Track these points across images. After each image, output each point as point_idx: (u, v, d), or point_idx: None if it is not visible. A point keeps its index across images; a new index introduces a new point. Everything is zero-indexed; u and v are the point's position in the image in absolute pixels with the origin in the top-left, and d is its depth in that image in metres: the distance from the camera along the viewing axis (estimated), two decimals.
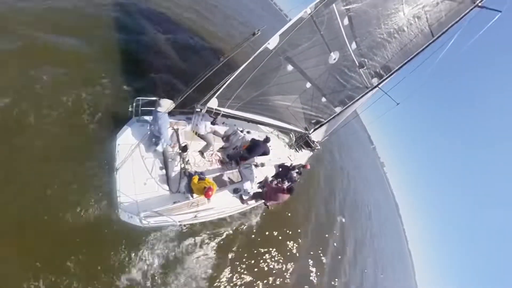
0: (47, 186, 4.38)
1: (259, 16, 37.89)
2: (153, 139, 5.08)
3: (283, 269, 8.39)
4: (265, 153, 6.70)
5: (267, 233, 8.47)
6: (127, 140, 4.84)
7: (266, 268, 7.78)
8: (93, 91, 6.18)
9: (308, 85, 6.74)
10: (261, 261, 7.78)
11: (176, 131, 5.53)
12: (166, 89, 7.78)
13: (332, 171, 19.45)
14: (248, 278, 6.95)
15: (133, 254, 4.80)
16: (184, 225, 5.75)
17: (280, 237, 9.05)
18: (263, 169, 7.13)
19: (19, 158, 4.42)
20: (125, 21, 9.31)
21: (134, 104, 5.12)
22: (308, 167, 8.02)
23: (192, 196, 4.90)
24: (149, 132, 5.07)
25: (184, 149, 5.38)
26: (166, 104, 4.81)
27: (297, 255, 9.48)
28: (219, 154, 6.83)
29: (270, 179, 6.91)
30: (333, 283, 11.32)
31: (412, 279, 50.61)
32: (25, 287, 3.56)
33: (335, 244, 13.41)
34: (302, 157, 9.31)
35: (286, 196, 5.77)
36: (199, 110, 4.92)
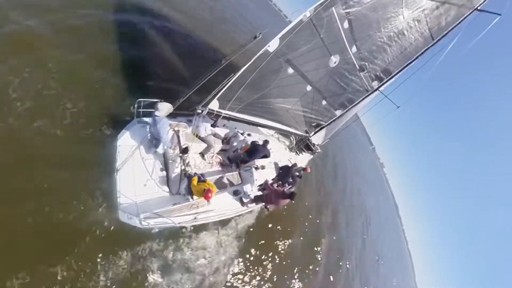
0: (46, 186, 4.39)
1: (259, 17, 38.25)
2: (154, 141, 5.10)
3: (280, 271, 8.31)
4: (266, 156, 6.70)
5: (264, 237, 8.42)
6: (127, 142, 4.86)
7: (264, 271, 7.70)
8: (95, 92, 6.24)
9: (309, 88, 6.76)
10: (261, 263, 7.71)
11: (177, 133, 5.55)
12: (167, 90, 7.82)
13: (331, 172, 19.43)
14: (247, 280, 6.89)
15: (132, 255, 4.78)
16: (184, 227, 5.73)
17: (277, 238, 8.99)
18: (264, 171, 7.12)
19: (19, 157, 4.44)
20: (125, 24, 9.40)
21: (135, 105, 5.17)
22: (309, 170, 7.99)
23: (192, 198, 4.90)
24: (149, 134, 5.09)
25: (184, 151, 5.39)
26: (165, 108, 4.84)
27: (295, 255, 9.43)
28: (219, 156, 6.84)
29: (270, 181, 6.89)
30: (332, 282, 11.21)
31: (412, 280, 50.03)
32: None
33: (334, 244, 13.37)
34: (302, 160, 9.29)
35: (287, 201, 5.74)
36: (200, 111, 4.94)
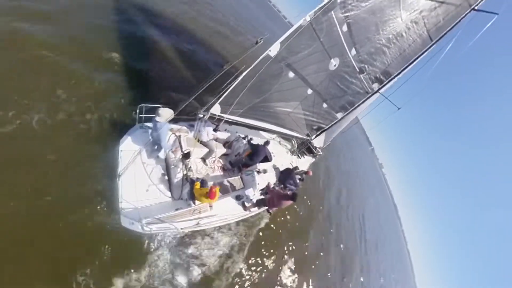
0: (48, 191, 4.38)
1: (258, 17, 38.82)
2: (155, 146, 5.10)
3: (281, 274, 8.18)
4: (267, 158, 6.68)
5: (263, 237, 8.32)
6: (130, 147, 4.86)
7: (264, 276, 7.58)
8: (97, 98, 6.28)
9: (309, 91, 6.80)
10: (260, 267, 7.59)
11: (179, 137, 5.55)
12: (169, 96, 7.90)
13: (330, 172, 19.34)
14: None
15: (133, 261, 4.72)
16: (186, 232, 5.67)
17: (280, 242, 8.89)
18: (266, 175, 7.08)
19: (20, 162, 4.43)
20: (128, 29, 9.57)
21: (137, 111, 5.18)
22: (310, 173, 7.95)
23: (194, 203, 4.85)
24: (151, 139, 5.09)
25: (186, 155, 5.37)
26: (166, 114, 4.85)
27: (294, 256, 9.31)
28: (221, 160, 6.81)
29: (272, 185, 6.85)
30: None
31: (411, 280, 49.17)
32: None
33: (333, 246, 13.23)
34: (304, 163, 9.25)
35: (289, 202, 5.71)
36: (202, 116, 4.95)
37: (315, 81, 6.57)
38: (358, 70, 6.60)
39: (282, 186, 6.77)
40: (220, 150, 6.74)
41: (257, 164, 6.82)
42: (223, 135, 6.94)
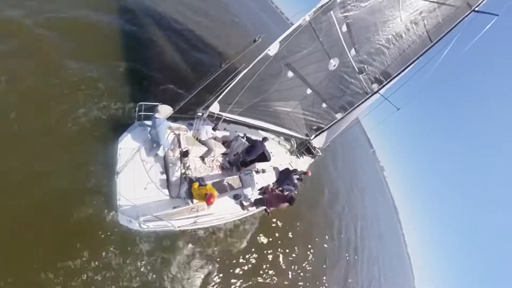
0: (47, 188, 4.40)
1: (259, 18, 38.85)
2: (154, 144, 5.11)
3: (282, 277, 8.17)
4: (265, 156, 6.68)
5: (265, 238, 8.31)
6: (128, 144, 4.87)
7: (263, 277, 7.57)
8: (97, 95, 6.29)
9: (309, 91, 6.80)
10: (259, 269, 7.59)
11: (178, 136, 5.56)
12: (169, 94, 7.91)
13: (329, 174, 19.32)
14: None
15: (129, 259, 4.73)
16: (183, 230, 5.67)
17: (277, 241, 8.87)
18: (264, 175, 7.08)
19: (20, 159, 4.45)
20: (128, 28, 9.56)
21: (136, 108, 5.20)
22: (310, 174, 7.95)
23: (192, 202, 4.86)
24: (149, 137, 5.10)
25: (185, 154, 5.38)
26: (165, 111, 4.85)
27: (294, 257, 9.31)
28: (220, 159, 6.82)
29: (271, 186, 6.85)
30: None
31: (411, 283, 49.07)
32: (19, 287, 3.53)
33: (333, 247, 13.19)
34: (303, 163, 9.24)
35: (286, 205, 5.70)
36: (201, 114, 4.96)
37: (315, 81, 6.58)
38: (357, 70, 6.60)
39: (281, 189, 6.74)
40: (219, 149, 6.74)
41: (256, 163, 6.82)
42: (222, 134, 6.96)
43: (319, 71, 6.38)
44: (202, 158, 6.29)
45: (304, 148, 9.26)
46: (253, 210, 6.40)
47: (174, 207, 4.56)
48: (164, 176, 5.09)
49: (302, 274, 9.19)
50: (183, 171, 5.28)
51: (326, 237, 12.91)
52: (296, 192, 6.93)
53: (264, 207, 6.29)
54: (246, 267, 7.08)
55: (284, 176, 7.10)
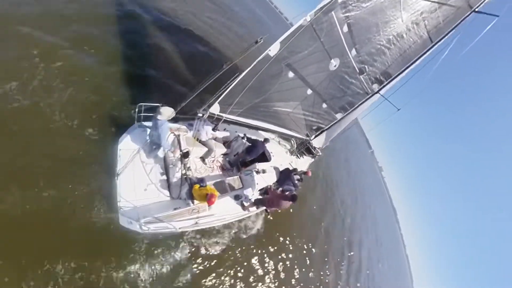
0: (46, 188, 4.35)
1: (260, 18, 38.75)
2: (154, 146, 5.08)
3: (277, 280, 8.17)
4: (265, 156, 6.67)
5: (264, 240, 8.32)
6: (128, 146, 4.84)
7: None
8: (96, 96, 6.24)
9: (309, 91, 6.80)
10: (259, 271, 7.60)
11: (178, 137, 5.54)
12: (169, 94, 7.84)
13: (328, 175, 19.34)
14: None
15: (130, 261, 4.70)
16: (185, 232, 5.66)
17: (275, 246, 8.85)
18: (265, 175, 7.08)
19: (21, 159, 4.42)
20: (129, 27, 9.50)
21: (136, 109, 5.17)
22: (310, 174, 7.95)
23: (193, 203, 4.83)
24: (148, 140, 5.07)
25: (185, 155, 5.36)
26: (166, 112, 4.83)
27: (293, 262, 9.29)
28: (220, 160, 6.80)
29: (272, 186, 6.85)
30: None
31: (409, 285, 49.39)
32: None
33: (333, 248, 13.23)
34: (303, 163, 9.25)
35: (288, 203, 5.71)
36: (201, 115, 4.94)
37: (315, 81, 6.58)
38: (358, 70, 6.60)
39: (281, 189, 6.75)
40: (220, 149, 6.73)
41: (256, 164, 6.81)
42: (222, 134, 6.94)
43: (320, 72, 6.38)
44: (203, 158, 6.28)
45: (304, 148, 9.26)
46: (254, 210, 6.40)
47: (175, 208, 4.55)
48: (165, 177, 5.07)
49: (297, 275, 9.16)
50: (183, 172, 5.26)
51: (322, 236, 12.92)
52: (296, 192, 6.94)
53: (265, 208, 6.30)
54: (246, 268, 7.08)
55: (285, 176, 7.09)
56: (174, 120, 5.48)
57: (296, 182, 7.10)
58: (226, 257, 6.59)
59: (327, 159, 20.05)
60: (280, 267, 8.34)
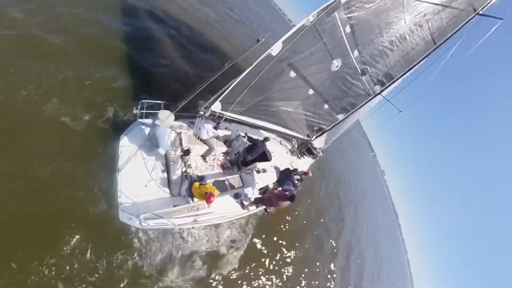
0: (48, 184, 4.41)
1: (262, 18, 38.74)
2: (155, 143, 5.10)
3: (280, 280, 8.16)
4: (266, 156, 6.67)
5: (264, 239, 8.31)
6: (130, 142, 4.88)
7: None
8: (98, 93, 6.30)
9: (311, 91, 6.79)
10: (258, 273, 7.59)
11: (179, 135, 5.57)
12: (171, 92, 7.87)
13: (328, 177, 19.26)
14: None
15: (129, 256, 4.74)
16: (184, 229, 5.68)
17: (276, 245, 8.86)
18: (265, 175, 7.08)
19: (24, 155, 4.47)
20: (131, 25, 9.56)
21: (138, 106, 5.20)
22: (310, 174, 7.94)
23: (192, 200, 4.86)
24: (148, 142, 5.10)
25: (186, 153, 5.39)
26: (165, 117, 4.87)
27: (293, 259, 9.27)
28: (221, 158, 6.82)
29: (271, 185, 6.85)
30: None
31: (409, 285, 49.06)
32: (16, 279, 3.57)
33: (332, 249, 13.17)
34: (304, 164, 9.24)
35: (286, 203, 5.71)
36: (202, 113, 4.96)
37: (317, 81, 6.57)
38: (360, 71, 6.58)
39: (280, 189, 6.75)
40: (221, 148, 6.74)
41: (256, 163, 6.82)
42: (223, 133, 6.96)
43: (322, 72, 6.37)
44: (203, 156, 6.30)
45: (305, 149, 9.25)
46: (253, 209, 6.41)
47: (175, 205, 4.58)
48: (165, 174, 5.10)
49: (299, 279, 9.14)
50: (184, 169, 5.28)
51: (322, 240, 12.88)
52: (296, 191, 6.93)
53: (264, 207, 6.30)
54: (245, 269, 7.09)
55: (285, 176, 7.10)
56: (176, 118, 5.50)
57: (296, 182, 7.11)
58: (225, 256, 6.61)
59: (328, 162, 20.00)
60: (278, 272, 8.31)
